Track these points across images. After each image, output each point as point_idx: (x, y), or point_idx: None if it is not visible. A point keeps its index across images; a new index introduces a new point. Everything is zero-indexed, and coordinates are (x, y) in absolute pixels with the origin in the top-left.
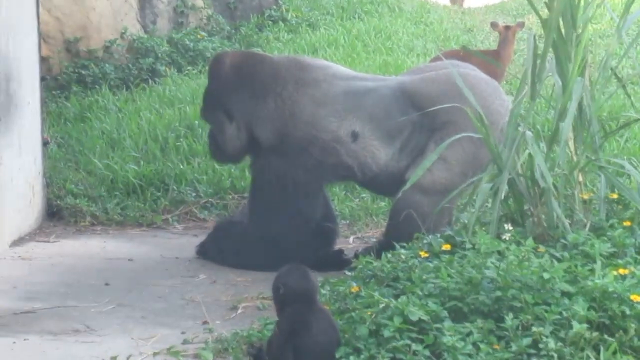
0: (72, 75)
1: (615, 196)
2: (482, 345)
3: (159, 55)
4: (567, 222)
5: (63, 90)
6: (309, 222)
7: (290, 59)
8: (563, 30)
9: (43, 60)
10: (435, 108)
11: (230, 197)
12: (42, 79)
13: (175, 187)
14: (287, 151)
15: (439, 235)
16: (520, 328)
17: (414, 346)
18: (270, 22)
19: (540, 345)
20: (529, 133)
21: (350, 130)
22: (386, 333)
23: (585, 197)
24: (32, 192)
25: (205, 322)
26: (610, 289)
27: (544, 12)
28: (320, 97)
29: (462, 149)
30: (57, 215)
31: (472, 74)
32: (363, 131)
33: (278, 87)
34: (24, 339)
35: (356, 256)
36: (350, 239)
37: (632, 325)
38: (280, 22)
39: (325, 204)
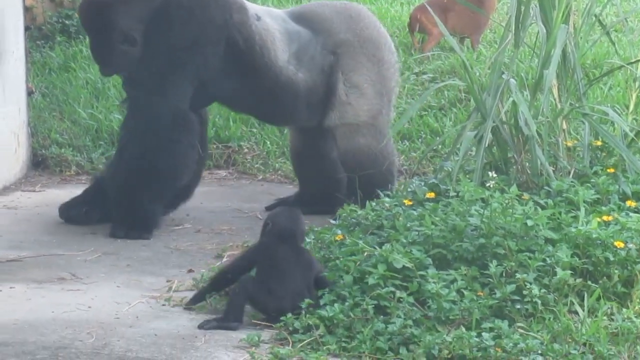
0: (56, 25)
1: (599, 143)
2: (466, 292)
3: None
4: (551, 169)
5: (47, 40)
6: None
7: None
8: None
9: (27, 10)
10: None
11: (215, 146)
12: (27, 28)
13: None
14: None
15: (423, 183)
16: (504, 275)
17: (398, 293)
18: None
19: (524, 292)
20: (512, 81)
21: (254, 12)
22: (370, 281)
23: (569, 144)
24: (17, 141)
25: (190, 270)
26: (594, 236)
27: None
28: None
29: (365, 70)
30: (42, 164)
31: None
32: (265, 20)
33: None
34: (10, 287)
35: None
36: None
37: (616, 271)
38: None
39: None
